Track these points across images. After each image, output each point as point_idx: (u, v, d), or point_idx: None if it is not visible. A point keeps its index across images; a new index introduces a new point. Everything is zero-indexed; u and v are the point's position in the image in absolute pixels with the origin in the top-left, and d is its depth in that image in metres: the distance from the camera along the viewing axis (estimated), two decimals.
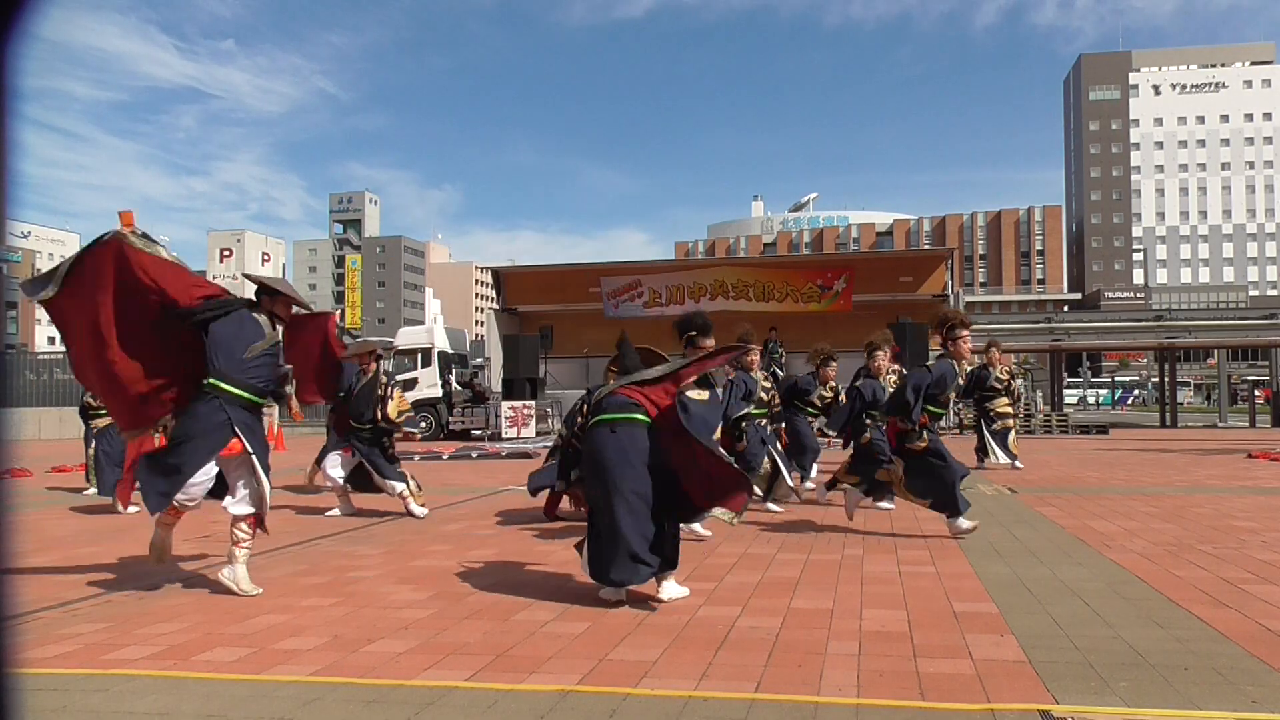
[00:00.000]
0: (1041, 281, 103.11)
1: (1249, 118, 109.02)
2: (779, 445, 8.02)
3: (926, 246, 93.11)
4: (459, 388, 23.09)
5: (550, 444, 8.76)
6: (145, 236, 4.50)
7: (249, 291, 4.92)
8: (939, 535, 6.19)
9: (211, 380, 4.50)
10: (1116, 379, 66.05)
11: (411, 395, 21.62)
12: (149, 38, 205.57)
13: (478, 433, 21.80)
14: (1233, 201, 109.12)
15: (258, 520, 4.60)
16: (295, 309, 4.95)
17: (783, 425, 8.51)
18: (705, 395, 5.34)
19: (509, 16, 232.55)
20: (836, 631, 3.65)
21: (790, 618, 3.90)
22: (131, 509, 8.13)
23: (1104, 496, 8.35)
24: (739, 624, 3.80)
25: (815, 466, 8.94)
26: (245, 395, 4.54)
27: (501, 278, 25.07)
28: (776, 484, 7.65)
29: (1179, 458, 13.66)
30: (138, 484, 4.67)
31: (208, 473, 4.55)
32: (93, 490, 9.05)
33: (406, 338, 23.99)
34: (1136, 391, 63.42)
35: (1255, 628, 3.60)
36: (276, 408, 10.22)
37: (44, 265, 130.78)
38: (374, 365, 7.61)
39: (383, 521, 7.38)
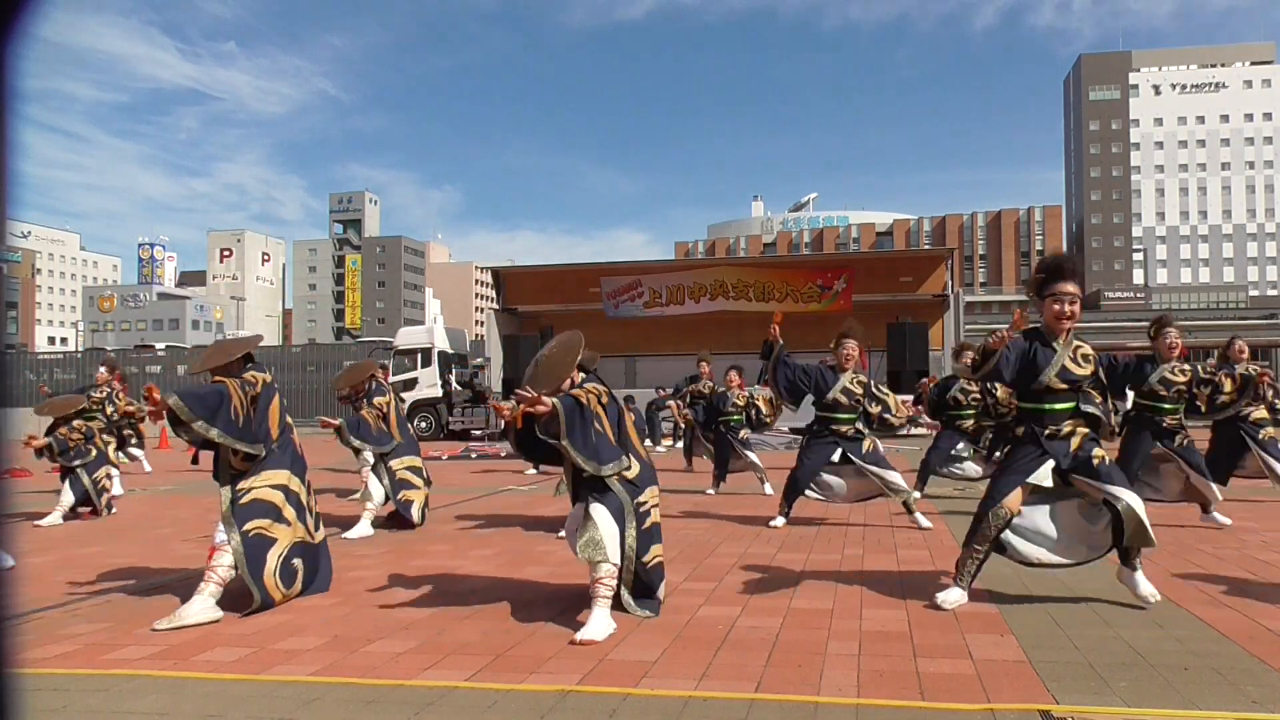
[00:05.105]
0: None
1: (1249, 118, 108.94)
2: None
3: (926, 246, 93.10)
4: (459, 388, 23.08)
5: None
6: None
7: (249, 292, 5.01)
8: (939, 535, 6.19)
9: None
10: None
11: (411, 395, 21.66)
12: (151, 40, 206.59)
13: (478, 433, 21.80)
14: (1233, 201, 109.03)
15: None
16: None
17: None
18: None
19: (509, 18, 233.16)
20: (836, 631, 3.65)
21: (790, 618, 3.90)
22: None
23: None
24: (739, 624, 3.80)
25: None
26: None
27: (501, 278, 25.07)
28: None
29: None
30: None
31: None
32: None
33: (406, 338, 24.00)
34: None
35: (1255, 628, 3.60)
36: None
37: (44, 265, 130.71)
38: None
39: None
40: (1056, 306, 3.98)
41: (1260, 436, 7.72)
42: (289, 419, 4.75)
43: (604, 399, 3.93)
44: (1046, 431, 4.03)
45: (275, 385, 4.68)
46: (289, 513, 4.52)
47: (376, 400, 7.04)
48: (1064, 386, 4.00)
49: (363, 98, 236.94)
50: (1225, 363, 7.51)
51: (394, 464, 7.03)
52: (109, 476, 8.42)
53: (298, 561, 4.50)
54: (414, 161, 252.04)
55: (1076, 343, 4.07)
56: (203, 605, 4.05)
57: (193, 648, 3.60)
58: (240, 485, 4.42)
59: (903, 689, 2.91)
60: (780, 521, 6.74)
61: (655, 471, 4.14)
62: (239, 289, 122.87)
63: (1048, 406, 4.04)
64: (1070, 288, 3.98)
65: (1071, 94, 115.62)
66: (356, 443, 6.89)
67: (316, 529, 4.74)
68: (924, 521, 6.49)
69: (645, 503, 3.93)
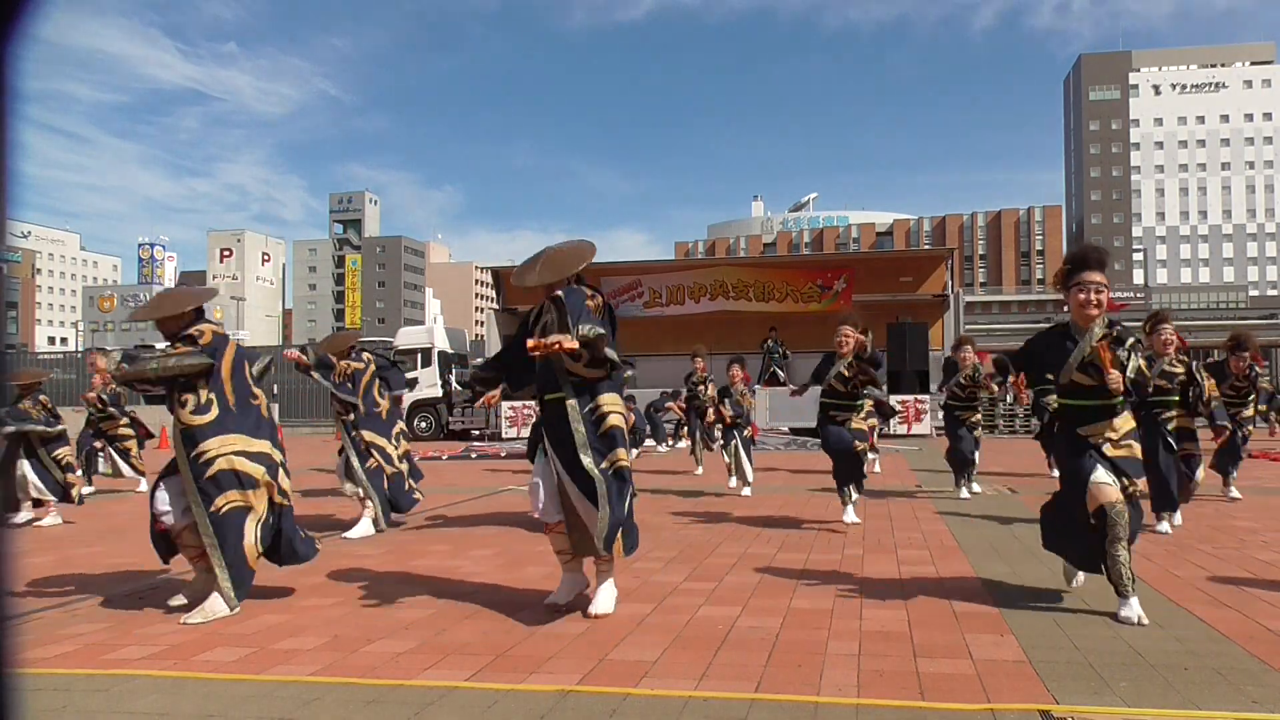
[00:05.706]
0: (1041, 281, 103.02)
1: (1249, 118, 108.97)
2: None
3: (926, 246, 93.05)
4: (459, 388, 23.06)
5: None
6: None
7: (249, 292, 4.95)
8: (939, 535, 6.20)
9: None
10: None
11: (411, 395, 21.62)
12: (152, 40, 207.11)
13: (477, 433, 21.80)
14: (1233, 201, 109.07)
15: None
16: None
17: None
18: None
19: (510, 19, 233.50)
20: (836, 631, 3.65)
21: (790, 618, 3.89)
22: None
23: None
24: (739, 624, 3.80)
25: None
26: None
27: (501, 278, 25.03)
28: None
29: None
30: None
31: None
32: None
33: (406, 338, 23.98)
34: None
35: (1255, 628, 3.60)
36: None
37: (44, 265, 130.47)
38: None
39: None
40: (1082, 295, 3.87)
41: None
42: (260, 395, 4.46)
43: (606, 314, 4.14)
44: (1080, 431, 3.97)
45: (236, 347, 4.38)
46: (266, 478, 4.33)
47: (345, 360, 7.05)
48: (1090, 382, 3.89)
49: (363, 98, 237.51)
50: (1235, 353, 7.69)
51: (363, 432, 6.98)
52: (73, 458, 8.40)
53: (272, 519, 4.41)
54: (414, 162, 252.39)
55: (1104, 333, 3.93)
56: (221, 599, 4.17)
57: (193, 648, 3.60)
58: (204, 447, 4.15)
59: (903, 689, 2.91)
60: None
61: (623, 390, 4.31)
62: (239, 289, 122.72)
63: (1075, 402, 3.99)
64: (1096, 276, 3.86)
65: (1071, 94, 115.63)
66: (316, 375, 6.87)
67: (287, 498, 4.53)
68: (852, 517, 6.78)
69: (599, 407, 4.05)
